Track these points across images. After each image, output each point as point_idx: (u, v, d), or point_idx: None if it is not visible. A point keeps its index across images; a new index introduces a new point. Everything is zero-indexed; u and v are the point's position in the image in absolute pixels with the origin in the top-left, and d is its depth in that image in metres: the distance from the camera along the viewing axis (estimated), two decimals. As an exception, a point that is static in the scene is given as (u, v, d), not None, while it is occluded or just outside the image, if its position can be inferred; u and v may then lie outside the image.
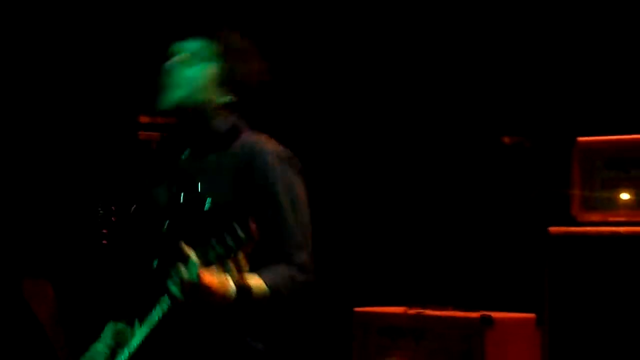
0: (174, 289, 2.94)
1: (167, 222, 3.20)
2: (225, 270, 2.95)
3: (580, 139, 4.07)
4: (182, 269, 2.90)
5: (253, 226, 2.91)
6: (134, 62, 5.18)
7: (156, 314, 3.08)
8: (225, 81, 3.25)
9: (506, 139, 4.51)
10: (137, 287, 3.35)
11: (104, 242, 3.97)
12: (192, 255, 2.91)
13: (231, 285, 2.97)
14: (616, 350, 3.76)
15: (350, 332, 4.58)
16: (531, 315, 4.26)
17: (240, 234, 2.89)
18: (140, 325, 3.18)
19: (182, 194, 3.26)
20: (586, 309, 3.87)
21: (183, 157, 3.29)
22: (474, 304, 4.50)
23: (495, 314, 4.29)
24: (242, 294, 2.98)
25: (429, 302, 4.55)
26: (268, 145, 3.19)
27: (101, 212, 3.79)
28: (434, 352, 4.34)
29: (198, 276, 2.86)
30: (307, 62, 5.40)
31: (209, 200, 3.16)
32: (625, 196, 3.98)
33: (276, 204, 3.17)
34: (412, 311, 4.46)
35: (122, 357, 3.15)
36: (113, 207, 3.82)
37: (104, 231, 3.93)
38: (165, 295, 3.04)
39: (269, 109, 3.55)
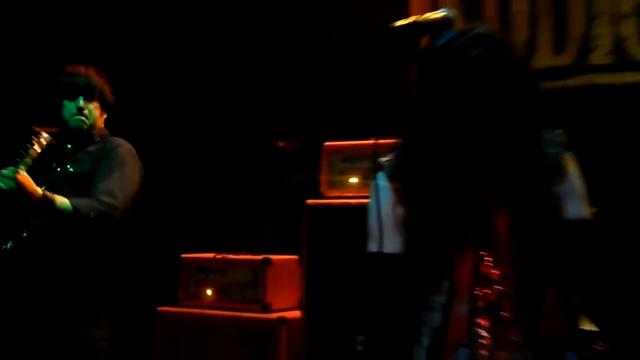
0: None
1: (43, 187, 3.52)
2: (22, 163, 3.32)
3: (326, 143, 4.56)
4: (3, 170, 3.36)
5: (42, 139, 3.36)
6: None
7: None
8: (102, 106, 3.87)
9: (280, 143, 5.06)
10: None
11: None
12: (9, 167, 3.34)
13: (39, 189, 3.33)
14: (349, 282, 4.17)
15: (178, 272, 4.99)
16: (295, 257, 4.63)
17: (29, 146, 3.38)
18: None
19: (58, 167, 3.72)
20: (330, 254, 4.30)
21: (67, 149, 3.80)
22: (260, 250, 4.98)
23: (273, 257, 4.82)
24: (47, 198, 3.36)
25: (231, 249, 5.03)
26: (122, 143, 3.81)
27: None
28: (234, 283, 4.81)
29: (15, 171, 3.33)
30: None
31: (71, 168, 3.63)
32: (353, 180, 4.51)
33: (109, 166, 3.63)
34: (220, 256, 4.94)
35: None
36: None
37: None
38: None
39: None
